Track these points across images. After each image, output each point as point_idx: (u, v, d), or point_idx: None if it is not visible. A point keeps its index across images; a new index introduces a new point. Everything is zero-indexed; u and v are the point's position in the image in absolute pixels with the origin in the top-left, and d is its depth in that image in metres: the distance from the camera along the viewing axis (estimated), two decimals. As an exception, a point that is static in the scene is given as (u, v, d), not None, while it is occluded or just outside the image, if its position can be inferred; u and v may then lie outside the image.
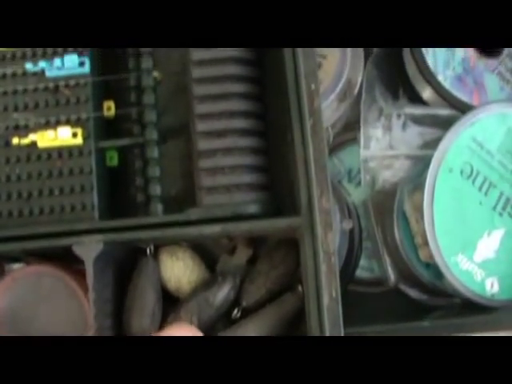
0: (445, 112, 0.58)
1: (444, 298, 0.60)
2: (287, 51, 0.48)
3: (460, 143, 0.55)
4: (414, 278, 0.58)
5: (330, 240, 0.48)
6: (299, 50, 0.48)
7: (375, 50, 0.62)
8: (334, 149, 0.63)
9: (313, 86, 0.49)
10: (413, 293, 0.61)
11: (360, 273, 0.62)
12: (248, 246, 0.51)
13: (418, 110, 0.58)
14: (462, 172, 0.55)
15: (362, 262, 0.61)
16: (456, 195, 0.55)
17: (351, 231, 0.57)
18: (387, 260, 0.60)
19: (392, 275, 0.61)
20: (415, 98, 0.60)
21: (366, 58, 0.60)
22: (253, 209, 0.49)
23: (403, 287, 0.61)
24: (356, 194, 0.62)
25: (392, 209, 0.58)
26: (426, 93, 0.60)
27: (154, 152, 0.50)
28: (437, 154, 0.54)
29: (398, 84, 0.62)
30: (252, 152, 0.49)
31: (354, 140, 0.61)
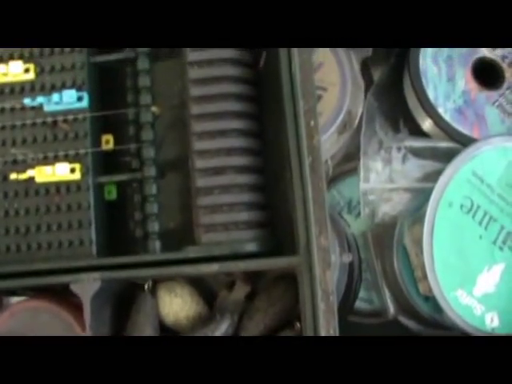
0: (445, 145, 0.58)
1: (443, 331, 0.59)
2: (286, 88, 0.48)
3: (460, 177, 0.55)
4: (413, 311, 0.58)
5: (328, 279, 0.47)
6: (298, 87, 0.48)
7: (376, 80, 0.62)
8: (334, 180, 0.63)
9: (312, 123, 0.49)
10: (412, 325, 0.60)
11: (359, 304, 0.62)
12: (246, 282, 0.51)
13: (417, 143, 0.58)
14: (461, 206, 0.55)
15: (362, 293, 0.61)
16: (456, 230, 0.55)
17: (351, 264, 0.57)
18: (386, 292, 0.60)
19: (391, 307, 0.60)
20: (415, 130, 0.60)
21: (367, 89, 0.60)
22: (251, 247, 0.48)
23: (402, 319, 0.60)
24: (355, 225, 0.62)
25: (392, 241, 0.58)
26: (427, 125, 0.59)
27: (152, 189, 0.50)
28: (436, 189, 0.54)
29: (399, 116, 0.61)
30: (250, 189, 0.49)
31: (354, 171, 0.60)
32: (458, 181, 0.55)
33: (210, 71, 0.50)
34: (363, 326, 0.62)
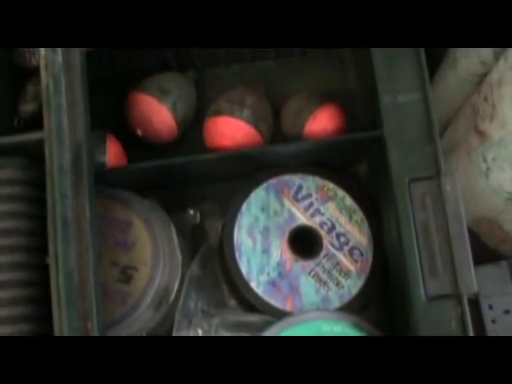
0: (256, 318, 0.58)
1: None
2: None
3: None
4: None
5: None
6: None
7: (201, 249, 0.62)
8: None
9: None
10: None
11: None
12: None
13: (228, 317, 0.58)
14: None
15: None
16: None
17: None
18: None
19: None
20: (242, 301, 0.60)
21: (186, 263, 0.61)
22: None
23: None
24: None
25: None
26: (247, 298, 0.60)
27: None
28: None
29: (224, 286, 0.62)
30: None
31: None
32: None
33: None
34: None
